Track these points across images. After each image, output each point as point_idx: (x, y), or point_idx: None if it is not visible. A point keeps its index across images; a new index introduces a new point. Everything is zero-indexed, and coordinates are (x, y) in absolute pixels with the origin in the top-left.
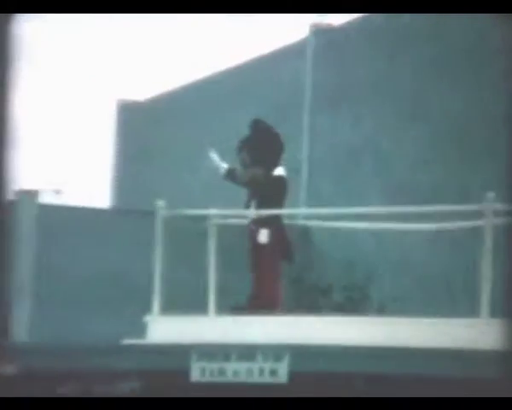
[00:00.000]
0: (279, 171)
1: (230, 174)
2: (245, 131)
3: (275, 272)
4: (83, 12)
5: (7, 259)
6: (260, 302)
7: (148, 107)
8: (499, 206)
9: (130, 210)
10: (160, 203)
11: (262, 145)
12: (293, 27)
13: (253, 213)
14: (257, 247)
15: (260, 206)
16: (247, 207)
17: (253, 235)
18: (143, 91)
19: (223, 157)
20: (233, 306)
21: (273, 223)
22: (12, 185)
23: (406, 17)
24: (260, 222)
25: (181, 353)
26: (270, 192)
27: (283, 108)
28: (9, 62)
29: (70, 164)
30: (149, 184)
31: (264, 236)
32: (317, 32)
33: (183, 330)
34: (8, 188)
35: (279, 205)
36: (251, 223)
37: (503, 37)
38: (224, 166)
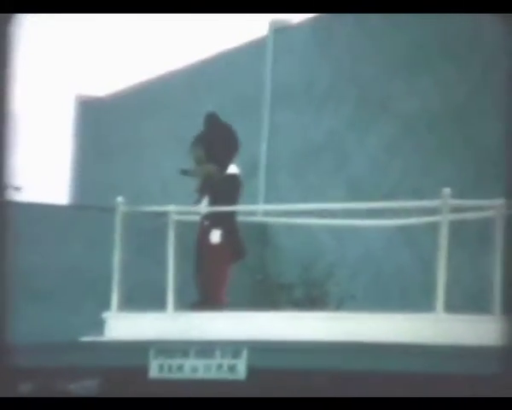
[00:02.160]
0: (232, 169)
1: (184, 174)
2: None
3: (223, 275)
4: (83, 12)
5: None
6: (206, 306)
7: (107, 102)
8: (455, 202)
9: (89, 206)
10: (120, 199)
11: (217, 142)
12: (253, 24)
13: (206, 209)
14: (207, 246)
15: (213, 204)
16: (198, 203)
17: (203, 233)
18: (103, 87)
19: (183, 154)
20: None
21: (226, 223)
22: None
23: (371, 14)
24: (213, 221)
25: (139, 349)
26: (224, 190)
27: (244, 103)
28: (9, 62)
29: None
30: (109, 179)
31: (216, 236)
32: (277, 28)
33: (141, 326)
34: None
35: (232, 204)
36: (203, 220)
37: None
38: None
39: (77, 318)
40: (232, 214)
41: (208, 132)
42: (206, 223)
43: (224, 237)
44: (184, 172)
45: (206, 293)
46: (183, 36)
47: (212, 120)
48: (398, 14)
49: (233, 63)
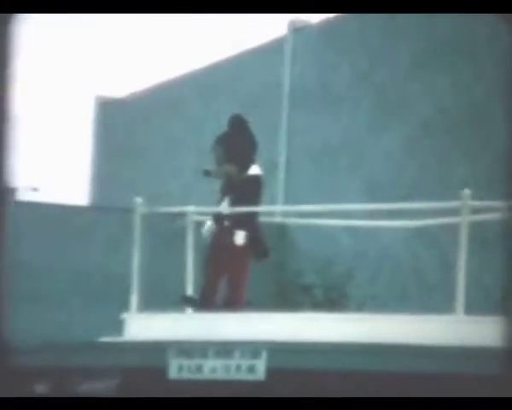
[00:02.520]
0: (254, 170)
1: (207, 175)
2: (225, 127)
3: (246, 275)
4: (83, 12)
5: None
6: (231, 305)
7: (127, 104)
8: (475, 203)
9: (108, 207)
10: (139, 200)
11: (237, 142)
12: (271, 24)
13: (228, 210)
14: (229, 247)
15: (234, 204)
16: (219, 204)
17: (223, 234)
18: (123, 88)
19: (205, 154)
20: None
21: (249, 224)
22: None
23: (388, 15)
24: (235, 222)
25: (158, 350)
26: (245, 191)
27: (262, 104)
28: (9, 62)
29: (48, 161)
30: (128, 181)
31: (240, 237)
32: (296, 29)
33: (160, 327)
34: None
35: (254, 204)
36: (224, 221)
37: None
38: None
39: (96, 318)
40: (255, 215)
41: (229, 133)
42: (227, 224)
43: (248, 238)
44: (206, 173)
45: (230, 293)
46: (202, 36)
47: (235, 121)
48: (415, 14)
49: (252, 63)
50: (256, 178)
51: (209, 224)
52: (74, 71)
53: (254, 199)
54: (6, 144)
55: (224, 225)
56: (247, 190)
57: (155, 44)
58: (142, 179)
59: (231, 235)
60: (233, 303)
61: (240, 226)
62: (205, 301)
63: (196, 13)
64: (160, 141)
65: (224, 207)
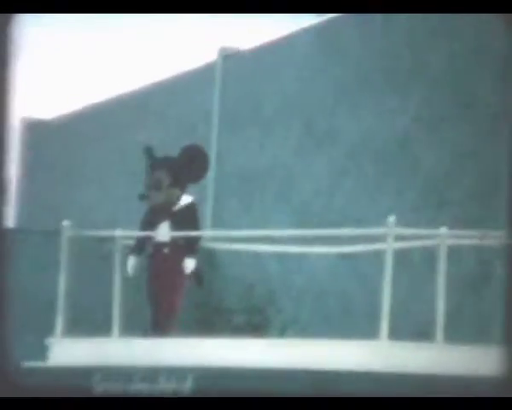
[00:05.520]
0: (187, 198)
1: (142, 198)
2: (158, 151)
3: (182, 298)
4: (83, 12)
5: None
6: (168, 333)
7: (53, 126)
8: (400, 230)
9: (34, 230)
10: (65, 223)
11: (186, 170)
12: (202, 50)
13: (168, 237)
14: (175, 274)
15: (175, 231)
16: (152, 229)
17: (164, 261)
18: (48, 110)
19: (132, 177)
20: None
21: (194, 251)
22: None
23: (318, 42)
24: (182, 249)
25: (83, 375)
26: (190, 218)
27: (192, 129)
28: (9, 62)
29: None
30: (55, 203)
31: (191, 264)
32: (226, 55)
33: (86, 352)
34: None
35: (194, 231)
36: (163, 248)
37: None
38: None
39: (20, 344)
40: (198, 242)
41: (179, 160)
42: (167, 251)
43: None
44: (142, 197)
45: (169, 320)
46: (132, 60)
47: (191, 152)
48: (343, 43)
49: (183, 88)
50: (194, 205)
51: (131, 261)
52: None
53: (195, 226)
54: (4, 146)
55: (164, 252)
56: (188, 218)
57: (83, 66)
58: (70, 203)
59: (175, 262)
60: (171, 330)
61: (184, 254)
62: (154, 329)
63: (183, 13)
64: (88, 164)
65: (164, 234)
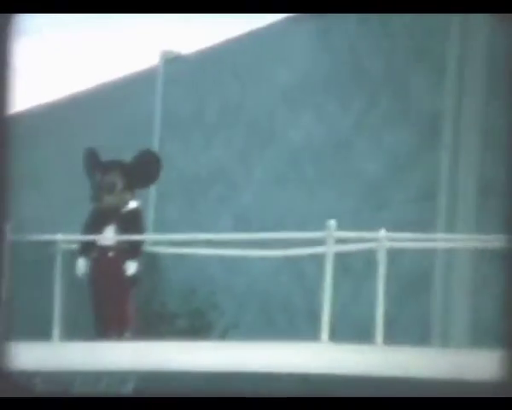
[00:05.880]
0: (133, 203)
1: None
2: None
3: (132, 301)
4: (83, 12)
5: None
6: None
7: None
8: (339, 233)
9: None
10: (7, 227)
11: (140, 175)
12: (143, 54)
13: (112, 240)
14: (118, 277)
15: (121, 234)
16: (97, 232)
17: (112, 265)
18: None
19: (75, 178)
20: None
21: (137, 254)
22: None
23: (259, 46)
24: (122, 252)
25: (23, 379)
26: (137, 222)
27: (133, 133)
28: (9, 62)
29: None
30: None
31: (133, 268)
32: (168, 59)
33: (26, 356)
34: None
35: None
36: (107, 252)
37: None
38: None
39: None
40: (141, 246)
41: (134, 164)
42: (111, 254)
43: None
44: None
45: (121, 324)
46: (75, 61)
47: (147, 156)
48: (287, 42)
49: (123, 93)
50: (139, 209)
51: (81, 262)
52: None
53: (140, 231)
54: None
55: (108, 255)
56: (134, 222)
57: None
58: (11, 205)
59: (119, 265)
60: (122, 333)
61: (128, 257)
62: (101, 334)
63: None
64: (29, 165)
65: (110, 237)
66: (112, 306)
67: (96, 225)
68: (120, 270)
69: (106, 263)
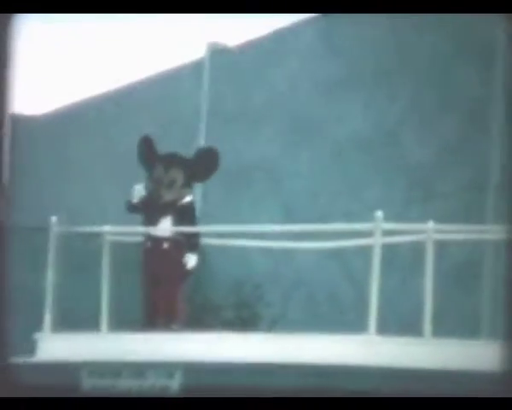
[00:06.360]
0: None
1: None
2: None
3: (184, 294)
4: (83, 12)
5: None
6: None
7: (41, 121)
8: (387, 225)
9: (22, 226)
10: (53, 219)
11: (203, 174)
12: (190, 46)
13: (169, 232)
14: (176, 269)
15: (176, 226)
16: (152, 224)
17: (169, 257)
18: (37, 106)
19: (121, 172)
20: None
21: (195, 247)
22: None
23: (306, 38)
24: (184, 245)
25: (71, 370)
26: (192, 215)
27: (179, 126)
28: (9, 62)
29: None
30: (43, 200)
31: (193, 261)
32: (214, 51)
33: (74, 347)
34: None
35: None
36: (162, 243)
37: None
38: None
39: (8, 339)
40: (198, 239)
41: (197, 161)
42: (166, 246)
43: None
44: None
45: (171, 316)
46: (118, 56)
47: (210, 156)
48: (333, 36)
49: (170, 86)
50: (193, 203)
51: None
52: None
53: (194, 224)
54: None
55: (163, 247)
56: (189, 215)
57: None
58: (59, 199)
59: (174, 257)
60: (170, 324)
61: (186, 249)
62: (150, 324)
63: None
64: (77, 160)
65: (165, 229)
66: (163, 297)
67: (151, 216)
68: (175, 261)
69: (160, 254)
